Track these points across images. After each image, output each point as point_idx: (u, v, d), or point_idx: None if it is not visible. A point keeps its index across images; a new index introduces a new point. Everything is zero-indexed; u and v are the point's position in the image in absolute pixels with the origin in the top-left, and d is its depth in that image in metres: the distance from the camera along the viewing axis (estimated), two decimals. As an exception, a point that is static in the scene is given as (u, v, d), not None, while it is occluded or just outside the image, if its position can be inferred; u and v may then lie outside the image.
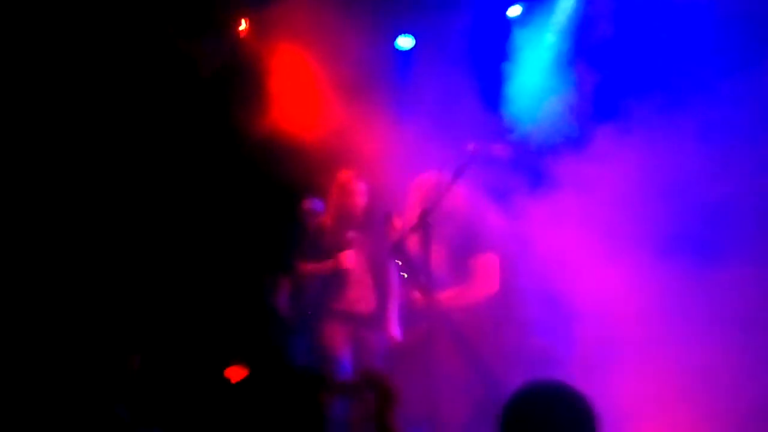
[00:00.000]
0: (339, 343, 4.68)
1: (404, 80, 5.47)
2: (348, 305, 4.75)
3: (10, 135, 5.04)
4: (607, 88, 4.56)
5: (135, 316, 4.86)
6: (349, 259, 4.74)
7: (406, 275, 4.43)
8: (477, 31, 5.09)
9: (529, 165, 4.59)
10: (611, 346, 3.94)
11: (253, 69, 5.40)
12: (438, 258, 4.25)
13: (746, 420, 3.68)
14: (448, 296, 4.30)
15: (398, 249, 4.17)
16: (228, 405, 2.37)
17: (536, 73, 4.93)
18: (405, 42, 5.47)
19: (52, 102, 5.13)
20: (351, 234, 4.81)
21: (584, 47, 4.74)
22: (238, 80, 5.43)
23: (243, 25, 5.48)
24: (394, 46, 5.48)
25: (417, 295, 4.31)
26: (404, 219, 4.43)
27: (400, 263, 4.39)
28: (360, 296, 4.77)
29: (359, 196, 4.83)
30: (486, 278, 4.33)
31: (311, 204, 5.10)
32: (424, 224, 4.01)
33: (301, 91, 5.38)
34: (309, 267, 4.77)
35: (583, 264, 4.10)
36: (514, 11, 5.10)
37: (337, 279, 4.75)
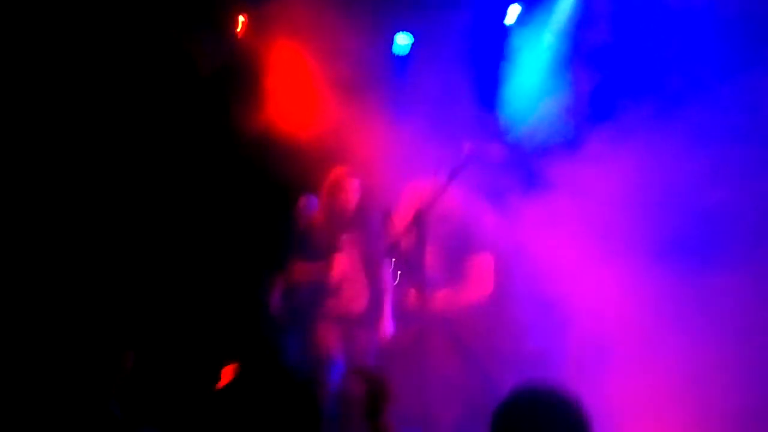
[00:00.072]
0: (332, 342, 4.67)
1: (401, 80, 5.47)
2: (341, 305, 4.73)
3: (5, 131, 5.03)
4: (603, 90, 4.57)
5: (128, 313, 4.85)
6: (340, 264, 4.72)
7: (400, 275, 4.43)
8: (475, 32, 5.10)
9: (525, 166, 4.59)
10: (605, 349, 3.95)
11: (250, 66, 5.39)
12: (433, 258, 4.25)
13: (738, 423, 3.70)
14: (442, 297, 4.30)
15: (394, 249, 4.17)
16: (221, 404, 2.36)
17: (533, 74, 4.94)
18: (402, 42, 5.46)
19: (47, 95, 5.11)
20: (343, 232, 4.79)
21: (581, 49, 4.75)
22: (235, 77, 5.42)
23: (241, 23, 5.47)
24: (392, 46, 5.47)
25: (411, 295, 4.31)
26: (400, 219, 4.43)
27: (394, 263, 4.39)
28: (353, 295, 4.75)
29: (351, 193, 4.80)
30: (480, 279, 4.34)
31: (306, 202, 5.09)
32: (419, 225, 4.00)
33: (299, 88, 5.37)
34: (301, 268, 4.75)
35: (577, 266, 4.10)
36: (511, 18, 5.09)
37: (330, 279, 4.73)
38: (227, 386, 2.41)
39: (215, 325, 5.25)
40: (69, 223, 5.17)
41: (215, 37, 5.44)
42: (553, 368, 3.81)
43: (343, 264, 4.74)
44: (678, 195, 4.07)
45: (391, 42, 5.48)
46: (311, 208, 4.96)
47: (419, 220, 4.00)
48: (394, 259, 4.42)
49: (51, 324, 4.50)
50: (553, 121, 4.68)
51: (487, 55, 5.08)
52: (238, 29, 5.48)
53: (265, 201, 5.41)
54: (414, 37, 5.45)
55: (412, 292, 4.27)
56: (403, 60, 5.49)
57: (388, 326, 4.62)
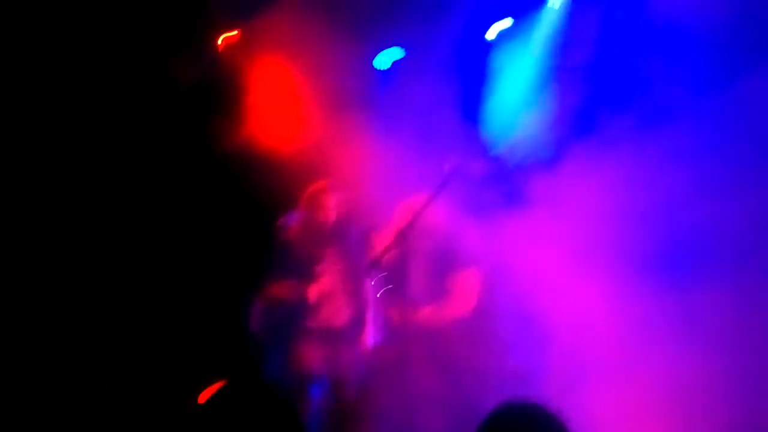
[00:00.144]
0: (314, 361, 4.64)
1: (385, 94, 5.48)
2: (322, 320, 4.70)
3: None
4: (586, 104, 4.59)
5: (106, 333, 4.80)
6: (321, 279, 4.70)
7: (383, 291, 4.41)
8: (459, 47, 5.12)
9: (508, 182, 4.60)
10: (587, 365, 3.95)
11: (234, 80, 5.38)
12: (416, 274, 4.24)
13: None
14: (425, 312, 4.29)
15: (377, 264, 4.15)
16: (203, 422, 2.33)
17: (517, 89, 4.96)
18: (386, 57, 5.47)
19: (28, 108, 5.08)
20: (324, 247, 4.76)
21: (565, 64, 4.78)
22: (218, 92, 5.40)
23: (224, 38, 5.46)
24: (375, 62, 5.48)
25: (394, 310, 4.29)
26: (383, 235, 4.42)
27: (377, 278, 4.37)
28: (334, 311, 4.72)
29: (331, 207, 4.78)
30: (464, 295, 4.32)
31: (287, 219, 5.06)
32: (402, 240, 4.00)
33: (282, 103, 5.37)
34: (281, 285, 4.71)
35: (559, 282, 4.11)
36: (493, 34, 5.11)
37: (311, 295, 4.71)
38: (208, 403, 2.38)
39: (195, 342, 5.20)
40: (46, 240, 5.11)
41: (196, 53, 5.43)
42: (535, 384, 3.80)
43: (324, 279, 4.71)
44: (660, 209, 4.09)
45: (375, 57, 5.49)
46: (291, 223, 4.93)
47: (402, 236, 4.00)
48: (377, 275, 4.40)
49: (29, 345, 4.43)
50: (535, 136, 4.69)
51: (471, 69, 5.10)
52: (221, 44, 5.48)
53: (247, 216, 5.38)
54: (398, 52, 5.46)
55: (395, 307, 4.25)
56: (387, 75, 5.50)
57: (370, 341, 4.60)
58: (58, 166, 5.17)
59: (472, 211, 4.51)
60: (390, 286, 4.25)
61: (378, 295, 4.53)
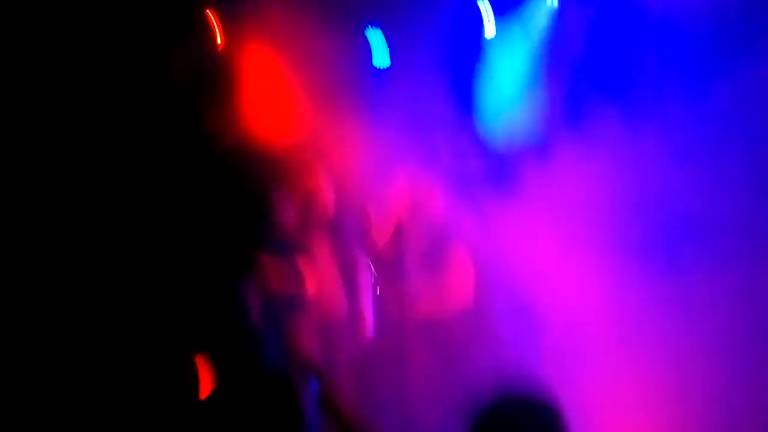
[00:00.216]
0: (312, 351, 4.66)
1: (378, 86, 5.48)
2: (319, 313, 4.73)
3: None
4: (577, 95, 4.60)
5: (98, 318, 4.79)
6: (317, 269, 4.71)
7: (380, 281, 4.44)
8: (452, 38, 5.12)
9: (502, 173, 4.62)
10: (583, 352, 3.99)
11: (225, 71, 5.36)
12: (413, 266, 4.27)
13: (720, 420, 3.74)
14: (422, 302, 4.31)
15: (374, 254, 4.18)
16: (201, 412, 2.35)
17: (511, 81, 4.97)
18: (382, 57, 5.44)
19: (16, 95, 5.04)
20: (319, 236, 4.76)
21: (557, 57, 4.79)
22: (210, 83, 5.39)
23: (216, 29, 5.45)
24: (368, 51, 5.47)
25: (391, 300, 4.32)
26: (379, 226, 4.44)
27: (374, 269, 4.40)
28: (331, 303, 4.74)
29: (326, 199, 4.80)
30: (460, 286, 4.34)
31: (282, 210, 5.06)
32: (399, 231, 4.03)
33: (274, 94, 5.36)
34: (278, 276, 4.72)
35: (553, 271, 4.14)
36: (489, 31, 5.10)
37: (307, 285, 4.72)
38: (209, 394, 2.40)
39: (189, 333, 5.19)
40: (36, 223, 5.08)
41: (188, 43, 5.41)
42: (531, 373, 3.83)
43: (321, 270, 4.73)
44: (652, 198, 4.13)
45: (367, 47, 5.48)
46: (286, 214, 4.93)
47: (399, 227, 4.02)
48: (374, 265, 4.43)
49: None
50: (529, 127, 4.71)
51: (463, 61, 5.11)
52: (213, 35, 5.46)
53: (240, 206, 5.37)
54: (390, 44, 5.45)
55: (392, 298, 4.28)
56: (379, 61, 5.49)
57: (368, 330, 4.62)
58: (54, 152, 5.14)
59: (467, 203, 4.54)
60: (387, 276, 4.28)
61: (375, 286, 4.55)
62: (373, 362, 4.50)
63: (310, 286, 4.68)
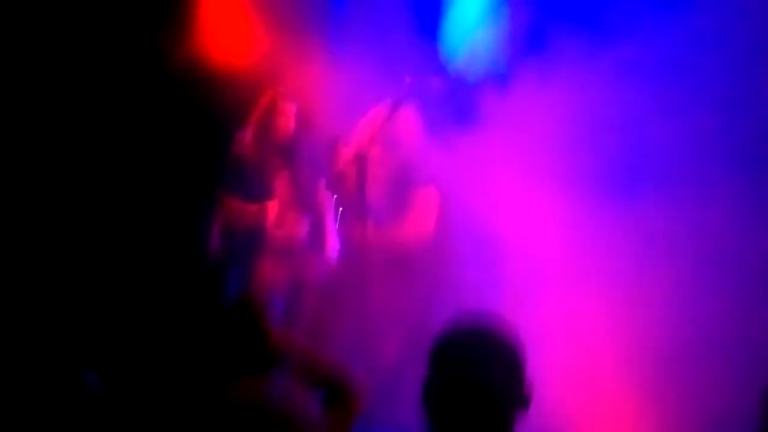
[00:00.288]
0: (273, 276, 4.67)
1: (340, 11, 5.37)
2: (281, 238, 4.70)
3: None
4: (541, 23, 4.56)
5: (57, 259, 4.72)
6: (278, 195, 4.65)
7: (343, 208, 4.43)
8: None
9: (464, 100, 4.60)
10: (540, 278, 4.06)
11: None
12: (377, 190, 4.26)
13: (674, 352, 3.86)
14: (384, 230, 4.33)
15: (336, 180, 4.16)
16: (164, 348, 2.35)
17: (474, 7, 4.90)
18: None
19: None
20: (280, 160, 4.68)
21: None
22: (165, 4, 5.22)
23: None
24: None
25: (354, 227, 4.33)
26: (342, 150, 4.40)
27: (337, 195, 4.38)
28: (293, 228, 4.71)
29: (288, 117, 4.68)
30: (423, 213, 4.36)
31: (241, 133, 4.95)
32: (361, 158, 4.01)
33: (232, 16, 5.22)
34: (236, 208, 4.66)
35: (514, 198, 4.17)
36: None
37: (269, 213, 4.68)
38: (168, 327, 2.39)
39: (149, 267, 5.15)
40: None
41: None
42: (489, 297, 3.89)
43: (282, 194, 4.67)
44: (616, 127, 4.15)
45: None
46: (245, 136, 4.81)
47: (361, 154, 4.00)
48: (336, 190, 4.41)
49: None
50: (491, 53, 4.67)
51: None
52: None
53: (197, 132, 5.27)
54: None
55: (355, 223, 4.29)
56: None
57: (329, 256, 4.61)
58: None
59: (430, 129, 4.52)
60: (350, 203, 4.27)
61: (337, 210, 4.54)
62: (336, 286, 4.53)
63: (272, 210, 4.63)
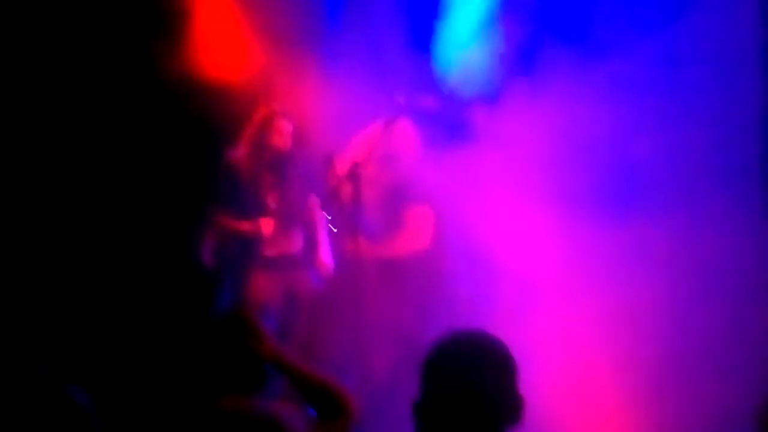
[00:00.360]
0: (267, 292, 4.67)
1: (335, 28, 5.40)
2: (275, 253, 4.70)
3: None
4: (533, 41, 4.60)
5: (51, 268, 4.71)
6: (272, 210, 4.66)
7: (337, 223, 4.44)
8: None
9: (457, 117, 4.62)
10: (534, 294, 4.07)
11: (177, 10, 5.22)
12: (371, 207, 4.28)
13: (666, 363, 3.87)
14: (379, 246, 4.34)
15: (330, 196, 4.18)
16: (157, 360, 2.35)
17: (467, 25, 4.94)
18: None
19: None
20: (274, 175, 4.68)
21: (514, 2, 4.76)
22: (160, 19, 5.24)
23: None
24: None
25: (347, 242, 4.34)
26: (337, 166, 4.42)
27: (331, 211, 4.39)
28: (287, 243, 4.71)
29: (283, 135, 4.69)
30: (417, 231, 4.37)
31: (235, 147, 4.96)
32: (356, 173, 4.03)
33: (227, 33, 5.25)
34: (229, 221, 4.66)
35: (507, 215, 4.19)
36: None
37: (262, 227, 4.67)
38: (162, 342, 2.39)
39: (141, 280, 5.13)
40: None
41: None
42: (483, 313, 3.91)
43: (276, 209, 4.68)
44: (606, 143, 4.18)
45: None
46: (240, 150, 4.81)
47: (355, 169, 4.02)
48: (330, 205, 4.42)
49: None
50: (484, 71, 4.71)
51: (421, 5, 5.06)
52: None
53: (190, 146, 5.28)
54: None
55: (348, 238, 4.30)
56: (337, 8, 5.41)
57: (322, 272, 4.62)
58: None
59: (423, 146, 4.54)
60: (344, 219, 4.28)
61: (331, 226, 4.55)
62: (329, 301, 4.53)
63: (266, 225, 4.64)
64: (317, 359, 4.25)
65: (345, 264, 4.46)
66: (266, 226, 4.61)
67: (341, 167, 4.31)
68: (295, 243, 4.73)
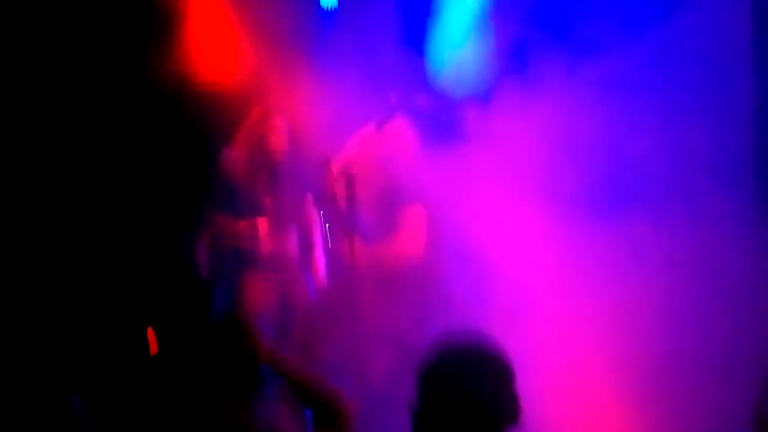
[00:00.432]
0: (261, 294, 4.66)
1: (327, 28, 5.40)
2: (270, 256, 4.70)
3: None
4: (523, 40, 4.60)
5: (45, 274, 4.69)
6: (267, 213, 4.65)
7: (331, 225, 4.44)
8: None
9: (451, 117, 4.62)
10: (529, 296, 4.07)
11: (169, 12, 5.21)
12: (366, 209, 4.27)
13: (663, 363, 3.88)
14: (374, 248, 4.33)
15: (325, 197, 4.17)
16: (150, 366, 2.34)
17: (459, 25, 4.94)
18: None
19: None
20: (269, 177, 4.68)
21: (506, 1, 4.77)
22: (153, 21, 5.23)
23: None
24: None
25: (343, 244, 4.33)
26: (331, 167, 4.41)
27: (325, 212, 4.39)
28: (282, 245, 4.71)
29: (279, 134, 4.68)
30: (412, 233, 4.36)
31: (230, 149, 4.95)
32: (349, 175, 4.02)
33: (219, 35, 5.24)
34: (224, 223, 4.65)
35: (501, 216, 4.19)
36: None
37: (258, 230, 4.67)
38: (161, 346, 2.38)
39: (137, 283, 5.12)
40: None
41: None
42: (478, 316, 3.91)
43: (271, 211, 4.67)
44: (600, 142, 4.18)
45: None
46: (234, 152, 4.80)
47: (349, 170, 4.02)
48: (325, 207, 4.42)
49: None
50: (475, 71, 4.71)
51: (414, 3, 5.06)
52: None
53: (184, 149, 5.27)
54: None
55: (344, 240, 4.29)
56: (328, 8, 5.40)
57: (318, 274, 4.61)
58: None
59: (419, 146, 4.54)
60: (338, 221, 4.28)
61: (326, 228, 4.54)
62: (325, 304, 4.53)
63: (261, 227, 4.63)
64: (314, 362, 4.24)
65: (340, 266, 4.46)
66: (262, 226, 4.60)
67: (335, 168, 4.31)
68: (290, 244, 4.72)
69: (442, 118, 4.65)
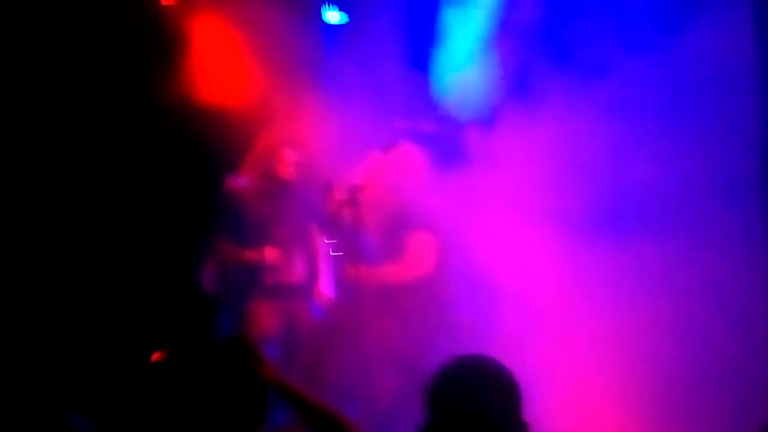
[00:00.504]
0: (268, 320, 4.65)
1: (332, 53, 5.44)
2: (277, 281, 4.69)
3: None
4: (527, 63, 4.63)
5: (52, 296, 4.70)
6: (274, 238, 4.66)
7: (337, 250, 4.44)
8: (406, 6, 5.10)
9: (457, 141, 4.64)
10: (536, 318, 4.07)
11: (175, 36, 5.26)
12: (372, 233, 4.27)
13: (668, 384, 3.86)
14: (380, 273, 4.32)
15: (331, 222, 4.18)
16: (154, 388, 2.34)
17: (464, 49, 4.98)
18: (333, 16, 5.42)
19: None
20: (276, 204, 4.70)
21: (509, 25, 4.80)
22: (159, 47, 5.28)
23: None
24: (322, 20, 5.43)
25: (349, 269, 4.33)
26: (337, 192, 4.42)
27: (332, 237, 4.39)
28: (289, 271, 4.71)
29: (289, 165, 4.72)
30: (419, 257, 4.34)
31: (237, 176, 4.99)
32: (355, 199, 4.03)
33: (225, 60, 5.29)
34: (231, 250, 4.66)
35: (507, 239, 4.20)
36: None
37: (265, 255, 4.68)
38: (159, 370, 2.38)
39: (145, 308, 5.12)
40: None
41: (139, 8, 5.29)
42: (486, 338, 3.90)
43: (279, 237, 4.69)
44: (604, 165, 4.20)
45: (321, 16, 5.43)
46: (242, 179, 4.84)
47: (355, 194, 4.03)
48: (331, 232, 4.42)
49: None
50: (479, 94, 4.74)
51: (418, 28, 5.10)
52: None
53: (191, 174, 5.29)
54: (346, 12, 5.42)
55: (350, 265, 4.29)
56: (333, 35, 5.46)
57: (324, 298, 4.61)
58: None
59: (426, 170, 4.55)
60: (345, 246, 4.28)
61: (332, 253, 4.54)
62: (331, 327, 4.52)
63: (269, 253, 4.64)
64: (321, 385, 4.23)
65: (346, 290, 4.45)
66: (270, 254, 4.62)
67: (340, 193, 4.32)
68: (297, 271, 4.73)
69: (447, 142, 4.67)
